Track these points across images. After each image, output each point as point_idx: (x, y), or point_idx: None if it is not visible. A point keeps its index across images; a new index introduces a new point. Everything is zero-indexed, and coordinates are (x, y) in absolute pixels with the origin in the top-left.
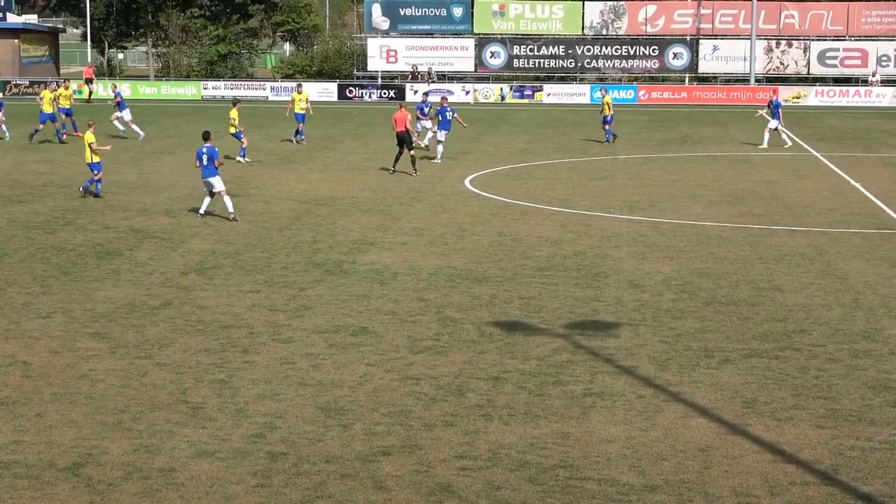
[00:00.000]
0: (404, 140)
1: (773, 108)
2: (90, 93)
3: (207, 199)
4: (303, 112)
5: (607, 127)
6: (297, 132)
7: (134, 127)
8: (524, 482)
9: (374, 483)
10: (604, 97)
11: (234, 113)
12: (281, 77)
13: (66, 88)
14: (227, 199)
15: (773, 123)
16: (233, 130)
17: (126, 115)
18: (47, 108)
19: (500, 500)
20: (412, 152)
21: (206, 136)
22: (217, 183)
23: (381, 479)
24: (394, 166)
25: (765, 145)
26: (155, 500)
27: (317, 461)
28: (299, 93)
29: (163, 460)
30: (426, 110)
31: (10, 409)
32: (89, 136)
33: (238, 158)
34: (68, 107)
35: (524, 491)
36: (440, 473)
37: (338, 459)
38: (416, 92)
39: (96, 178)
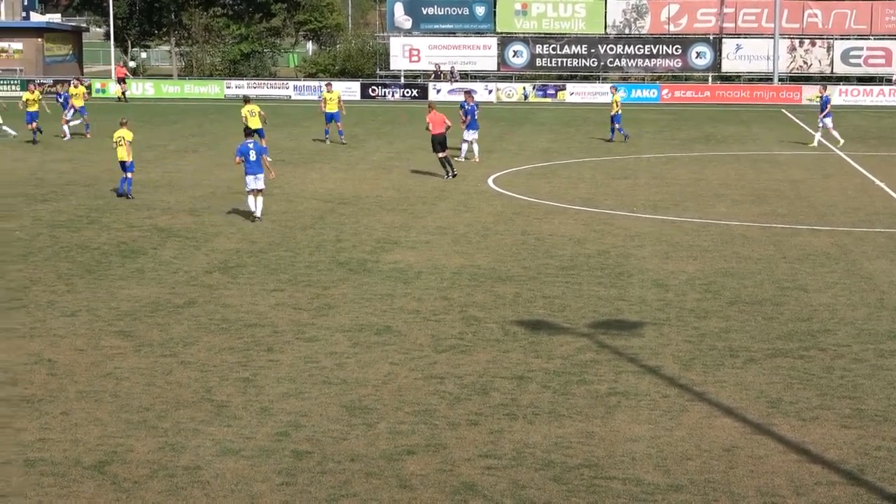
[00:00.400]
0: (443, 142)
1: (822, 104)
2: (124, 92)
3: (252, 198)
4: (335, 111)
5: (617, 125)
6: (328, 131)
7: (66, 127)
8: (549, 481)
9: (398, 482)
10: (613, 95)
11: (255, 108)
12: (304, 76)
13: (76, 87)
14: (259, 200)
15: (828, 121)
16: (256, 125)
17: (68, 114)
18: (32, 108)
19: (525, 500)
20: (446, 154)
21: (248, 132)
22: (260, 181)
23: (406, 478)
24: (452, 171)
25: (840, 141)
26: (180, 499)
27: (341, 460)
28: (329, 92)
29: (188, 458)
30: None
31: (36, 406)
32: (128, 134)
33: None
34: (81, 105)
35: (549, 490)
36: (465, 472)
37: (362, 458)
38: (438, 91)
39: (129, 176)
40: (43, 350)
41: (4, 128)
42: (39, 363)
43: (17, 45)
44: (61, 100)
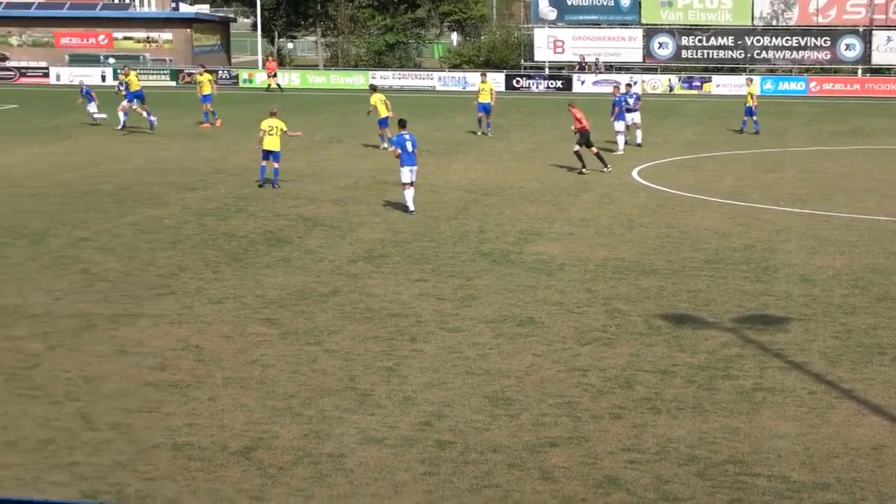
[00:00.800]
0: (589, 137)
1: None
2: (279, 86)
3: (410, 192)
4: (487, 102)
5: (754, 118)
6: (480, 121)
7: (98, 115)
8: (693, 477)
9: (541, 473)
10: (749, 87)
11: (383, 96)
12: (448, 67)
13: (202, 76)
14: (410, 192)
15: None
16: (385, 114)
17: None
18: (135, 87)
19: (668, 495)
20: (595, 149)
21: (403, 124)
22: (414, 173)
23: (549, 470)
24: (605, 165)
25: None
26: (325, 486)
27: (484, 450)
28: (484, 82)
29: (332, 446)
30: (631, 102)
31: (184, 392)
32: (280, 123)
33: (384, 146)
34: (209, 93)
35: (693, 486)
36: (607, 466)
37: (505, 449)
38: (583, 82)
39: (276, 166)
40: (191, 336)
41: (98, 115)
42: (187, 349)
43: (166, 35)
44: (123, 88)
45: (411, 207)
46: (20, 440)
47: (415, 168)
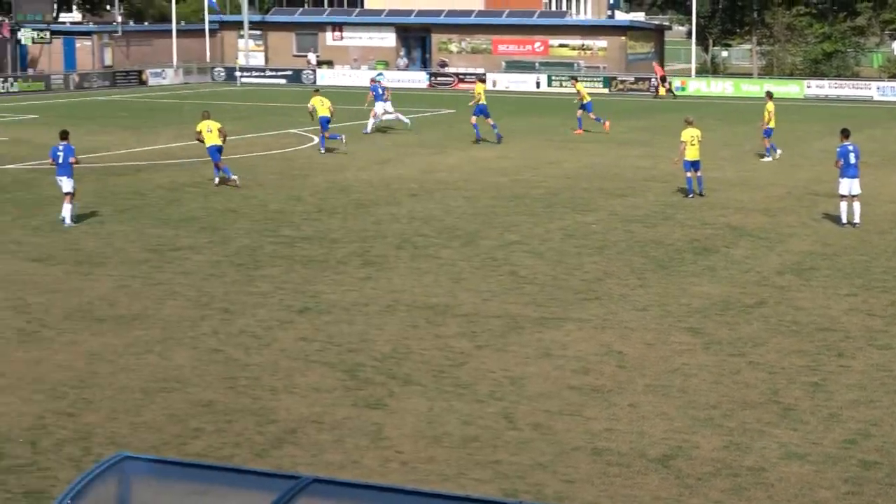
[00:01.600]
0: None
1: None
2: (669, 90)
3: (846, 205)
4: None
5: None
6: None
7: (390, 116)
8: None
9: None
10: None
11: (770, 106)
12: (888, 76)
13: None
14: (855, 205)
15: None
16: (772, 125)
17: (387, 106)
18: (323, 112)
19: None
20: None
21: (847, 134)
22: (856, 185)
23: None
24: None
25: None
26: (743, 499)
27: None
28: None
29: (752, 459)
30: None
31: (605, 397)
32: (698, 132)
33: (768, 157)
34: (588, 101)
35: None
36: None
37: None
38: None
39: (699, 175)
40: (614, 342)
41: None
42: (610, 354)
43: (601, 42)
44: (373, 92)
45: (844, 220)
46: (445, 436)
47: (856, 180)
